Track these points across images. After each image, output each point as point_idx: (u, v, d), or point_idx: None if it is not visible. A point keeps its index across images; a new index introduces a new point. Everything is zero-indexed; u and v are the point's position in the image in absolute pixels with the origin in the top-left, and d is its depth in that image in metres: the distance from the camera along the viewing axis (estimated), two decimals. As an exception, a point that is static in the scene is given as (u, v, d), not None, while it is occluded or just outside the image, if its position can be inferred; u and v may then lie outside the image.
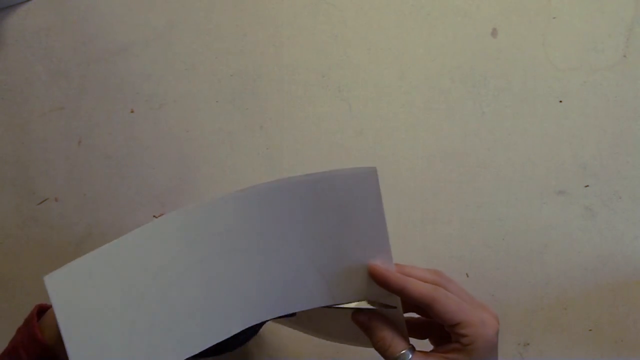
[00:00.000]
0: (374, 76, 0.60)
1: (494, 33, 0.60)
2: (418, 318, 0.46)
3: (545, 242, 0.59)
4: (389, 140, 0.60)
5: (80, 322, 0.37)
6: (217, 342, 0.41)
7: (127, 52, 0.61)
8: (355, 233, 0.41)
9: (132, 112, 0.61)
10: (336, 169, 0.40)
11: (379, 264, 0.41)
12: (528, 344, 0.59)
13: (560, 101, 0.59)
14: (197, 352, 0.40)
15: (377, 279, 0.41)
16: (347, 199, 0.40)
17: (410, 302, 0.40)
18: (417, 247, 0.59)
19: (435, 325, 0.45)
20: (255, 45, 0.61)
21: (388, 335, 0.41)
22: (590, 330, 0.58)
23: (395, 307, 0.42)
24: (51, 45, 0.61)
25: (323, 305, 0.42)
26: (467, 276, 0.59)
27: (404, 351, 0.40)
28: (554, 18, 0.59)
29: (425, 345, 0.44)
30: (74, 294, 0.37)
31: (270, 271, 0.41)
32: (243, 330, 0.42)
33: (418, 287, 0.39)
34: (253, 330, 0.46)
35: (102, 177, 0.61)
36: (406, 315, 0.44)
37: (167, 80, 0.61)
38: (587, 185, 0.59)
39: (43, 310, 0.45)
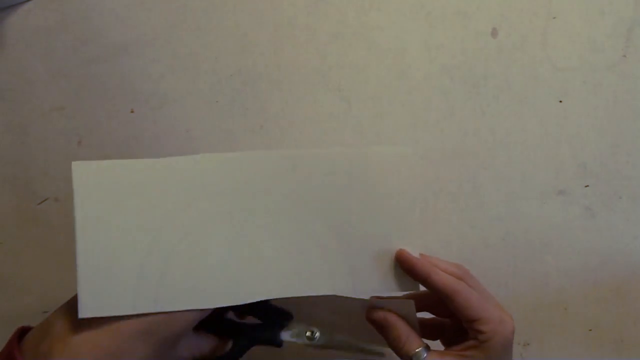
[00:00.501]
0: (374, 76, 0.60)
1: (494, 33, 0.60)
2: (431, 318, 0.46)
3: (545, 242, 0.59)
4: (389, 140, 0.60)
5: (95, 223, 0.35)
6: (228, 305, 0.39)
7: (127, 52, 0.61)
8: (382, 215, 0.41)
9: (132, 112, 0.61)
10: (371, 145, 0.40)
11: (406, 249, 0.41)
12: (528, 344, 0.59)
13: (560, 101, 0.59)
14: (205, 307, 0.39)
15: (403, 264, 0.41)
16: (378, 178, 0.40)
17: (433, 291, 0.40)
18: (417, 247, 0.59)
19: (448, 326, 0.44)
20: (255, 45, 0.61)
21: (403, 334, 0.41)
22: (590, 330, 0.58)
23: (416, 291, 0.42)
24: (51, 45, 0.61)
25: (342, 294, 0.42)
26: (467, 276, 0.59)
27: (418, 349, 0.40)
28: (554, 18, 0.59)
29: (435, 346, 0.43)
30: (96, 190, 0.35)
31: (296, 243, 0.41)
32: (270, 315, 0.42)
33: (442, 278, 0.39)
34: (282, 318, 0.44)
35: (102, 177, 0.61)
36: (418, 314, 0.44)
37: (167, 80, 0.61)
38: (587, 185, 0.59)
39: (24, 332, 0.43)
